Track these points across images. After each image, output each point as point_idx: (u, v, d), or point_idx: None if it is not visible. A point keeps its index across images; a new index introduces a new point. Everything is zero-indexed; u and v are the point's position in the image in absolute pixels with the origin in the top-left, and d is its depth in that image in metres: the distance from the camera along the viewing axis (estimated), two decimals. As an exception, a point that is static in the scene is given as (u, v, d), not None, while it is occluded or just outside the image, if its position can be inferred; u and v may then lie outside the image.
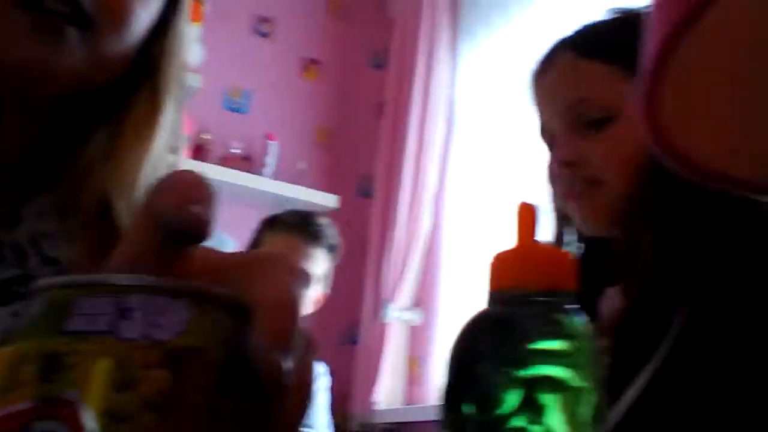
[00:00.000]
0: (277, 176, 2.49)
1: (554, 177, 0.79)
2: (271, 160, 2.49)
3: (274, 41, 2.73)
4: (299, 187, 2.50)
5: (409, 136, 2.48)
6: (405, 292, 2.36)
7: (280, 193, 2.45)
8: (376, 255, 2.49)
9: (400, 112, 2.58)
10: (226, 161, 2.42)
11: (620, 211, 0.73)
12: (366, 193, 2.79)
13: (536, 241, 0.32)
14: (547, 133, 0.79)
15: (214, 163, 2.36)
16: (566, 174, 0.75)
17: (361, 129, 2.84)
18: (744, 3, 0.29)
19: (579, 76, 0.75)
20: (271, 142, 2.51)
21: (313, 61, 2.79)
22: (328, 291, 1.69)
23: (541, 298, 0.30)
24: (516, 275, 0.31)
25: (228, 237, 2.34)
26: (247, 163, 2.52)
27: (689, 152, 0.33)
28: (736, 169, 0.34)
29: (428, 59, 2.53)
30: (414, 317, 2.36)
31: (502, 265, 0.31)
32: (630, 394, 0.62)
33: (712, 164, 0.34)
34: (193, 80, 2.33)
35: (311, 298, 1.63)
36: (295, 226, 1.60)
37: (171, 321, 0.23)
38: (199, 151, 2.34)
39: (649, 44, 0.28)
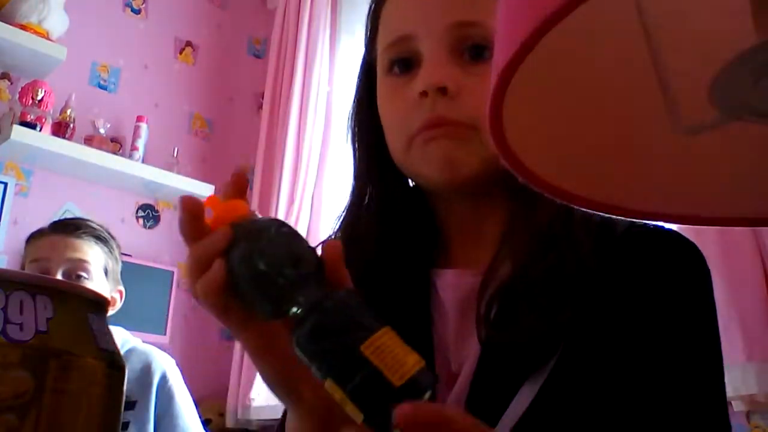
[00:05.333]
0: (147, 161, 2.32)
1: (410, 109, 0.64)
2: (141, 144, 2.31)
3: (147, 19, 2.56)
4: (172, 174, 2.35)
5: (289, 130, 2.41)
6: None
7: (151, 178, 2.29)
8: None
9: (280, 104, 2.51)
10: (92, 141, 2.22)
11: (493, 170, 0.60)
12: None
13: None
14: (405, 53, 0.65)
15: (78, 143, 2.16)
16: (429, 103, 0.61)
17: (239, 119, 2.73)
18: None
19: None
20: (141, 124, 2.34)
21: (189, 44, 2.65)
22: (122, 288, 1.55)
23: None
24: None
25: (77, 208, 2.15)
26: (115, 144, 2.33)
27: (531, 166, 0.33)
28: (570, 185, 0.35)
29: (308, 52, 2.48)
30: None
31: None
32: (517, 407, 0.55)
33: (550, 180, 0.34)
34: (57, 51, 2.13)
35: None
36: (52, 226, 1.50)
37: (32, 320, 0.23)
38: (60, 128, 2.13)
39: (497, 58, 0.28)
